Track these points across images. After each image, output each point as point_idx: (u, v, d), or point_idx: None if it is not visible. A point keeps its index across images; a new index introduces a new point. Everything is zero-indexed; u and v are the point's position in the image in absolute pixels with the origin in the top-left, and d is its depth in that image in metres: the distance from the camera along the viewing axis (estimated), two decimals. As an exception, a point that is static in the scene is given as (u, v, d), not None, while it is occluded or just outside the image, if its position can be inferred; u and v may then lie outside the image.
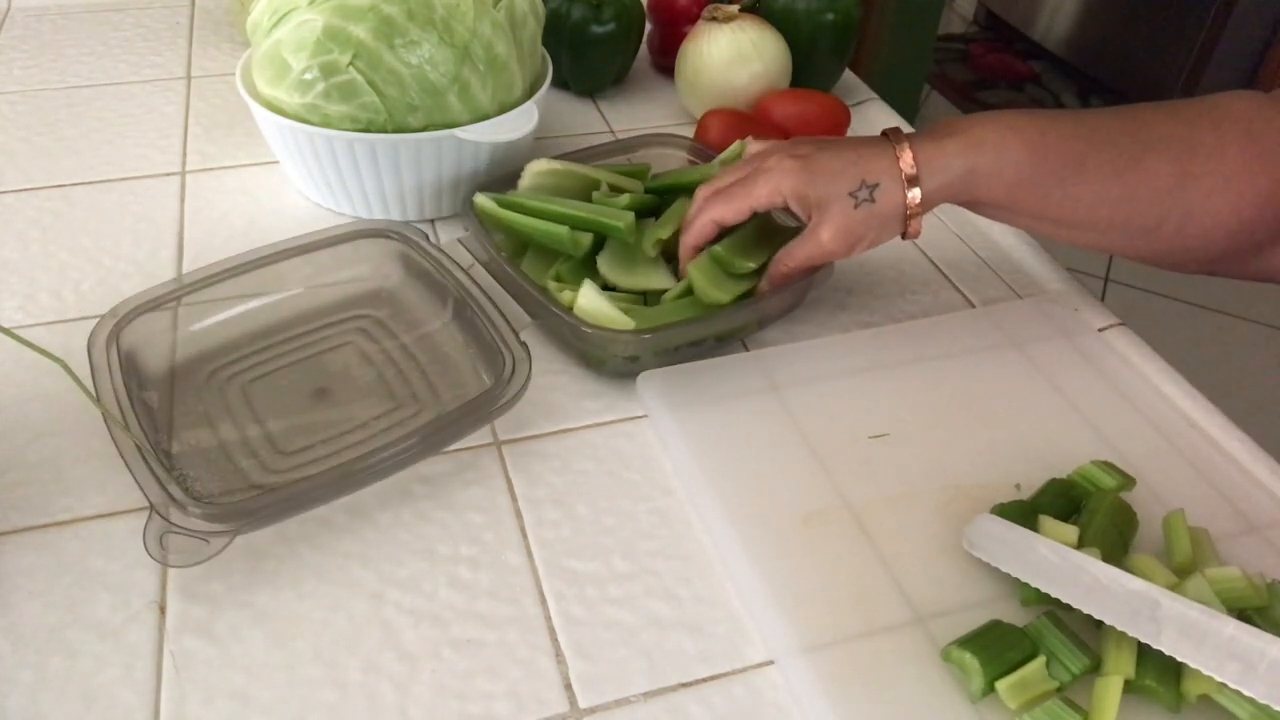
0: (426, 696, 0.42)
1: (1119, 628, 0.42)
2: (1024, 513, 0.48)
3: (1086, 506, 0.49)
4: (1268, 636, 0.39)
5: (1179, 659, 0.40)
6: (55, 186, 0.72)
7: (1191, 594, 0.44)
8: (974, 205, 0.56)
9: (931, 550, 0.49)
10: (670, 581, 0.48)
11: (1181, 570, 0.46)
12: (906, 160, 0.54)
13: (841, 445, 0.54)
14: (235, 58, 0.88)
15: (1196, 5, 2.30)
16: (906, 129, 0.58)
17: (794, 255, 0.57)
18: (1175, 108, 0.53)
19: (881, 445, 0.54)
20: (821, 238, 0.55)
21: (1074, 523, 0.48)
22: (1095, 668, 0.42)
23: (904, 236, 0.56)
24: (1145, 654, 0.42)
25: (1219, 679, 0.39)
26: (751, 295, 0.59)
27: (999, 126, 0.53)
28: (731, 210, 0.57)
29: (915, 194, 0.54)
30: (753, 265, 0.59)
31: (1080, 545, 0.46)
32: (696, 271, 0.58)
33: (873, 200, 0.54)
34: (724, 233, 0.59)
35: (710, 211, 0.57)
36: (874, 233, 0.56)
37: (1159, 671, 0.41)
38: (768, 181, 0.56)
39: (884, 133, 0.56)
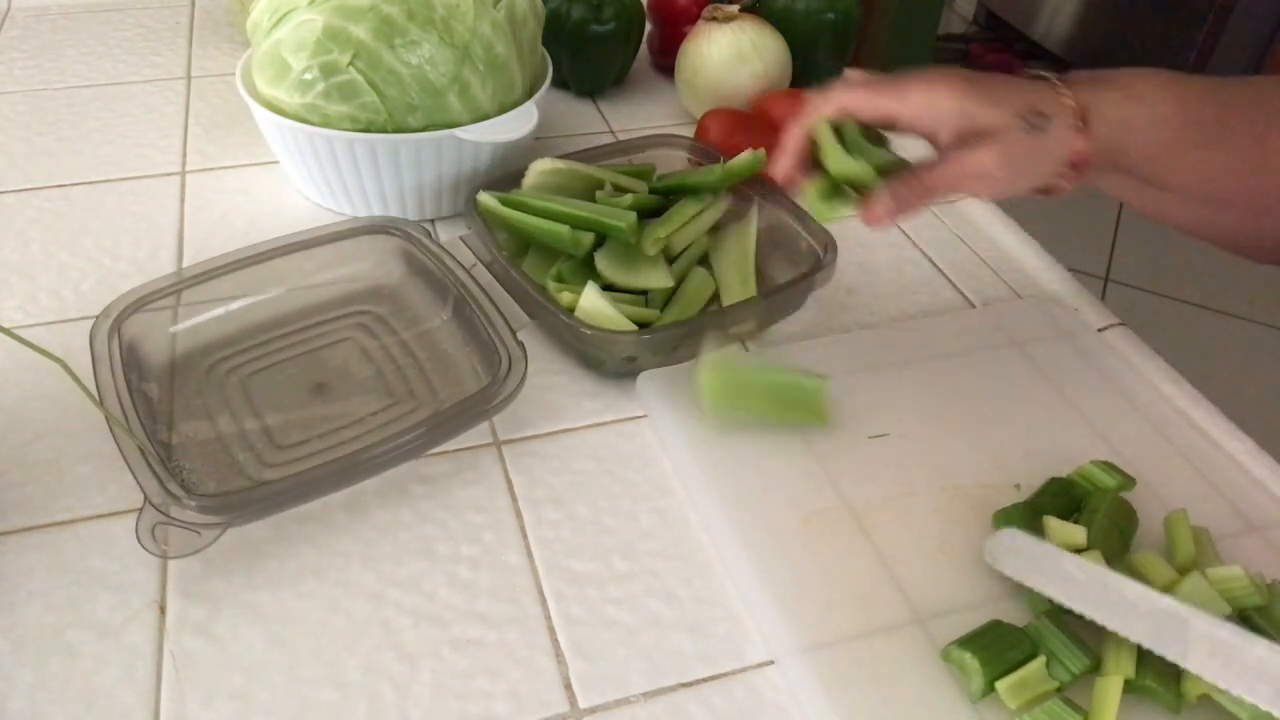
0: (426, 696, 0.42)
1: (1146, 645, 0.41)
2: (1025, 514, 0.48)
3: (1087, 506, 0.49)
4: None
5: (1207, 679, 0.39)
6: (55, 186, 0.72)
7: (1191, 592, 0.44)
8: (1118, 166, 0.50)
9: (931, 550, 0.49)
10: (670, 581, 0.48)
11: (1184, 569, 0.46)
12: (1075, 100, 0.48)
13: (841, 445, 0.54)
14: (235, 58, 0.88)
15: (1196, 5, 2.30)
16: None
17: (942, 175, 0.48)
18: None
19: (881, 445, 0.54)
20: (984, 158, 0.47)
21: (1075, 522, 0.48)
22: (1095, 668, 0.42)
23: (1050, 191, 0.50)
24: (1145, 654, 0.42)
25: (1250, 700, 0.38)
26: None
27: (1151, 80, 0.49)
28: (867, 101, 0.49)
29: (1084, 141, 0.48)
30: (870, 169, 0.49)
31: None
32: (827, 144, 0.50)
33: (1041, 129, 0.47)
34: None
35: (838, 95, 0.49)
36: (1039, 168, 0.49)
37: (1159, 672, 0.41)
38: (923, 90, 0.48)
39: (1035, 77, 0.50)
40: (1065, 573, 0.44)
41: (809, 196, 0.51)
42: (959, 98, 0.48)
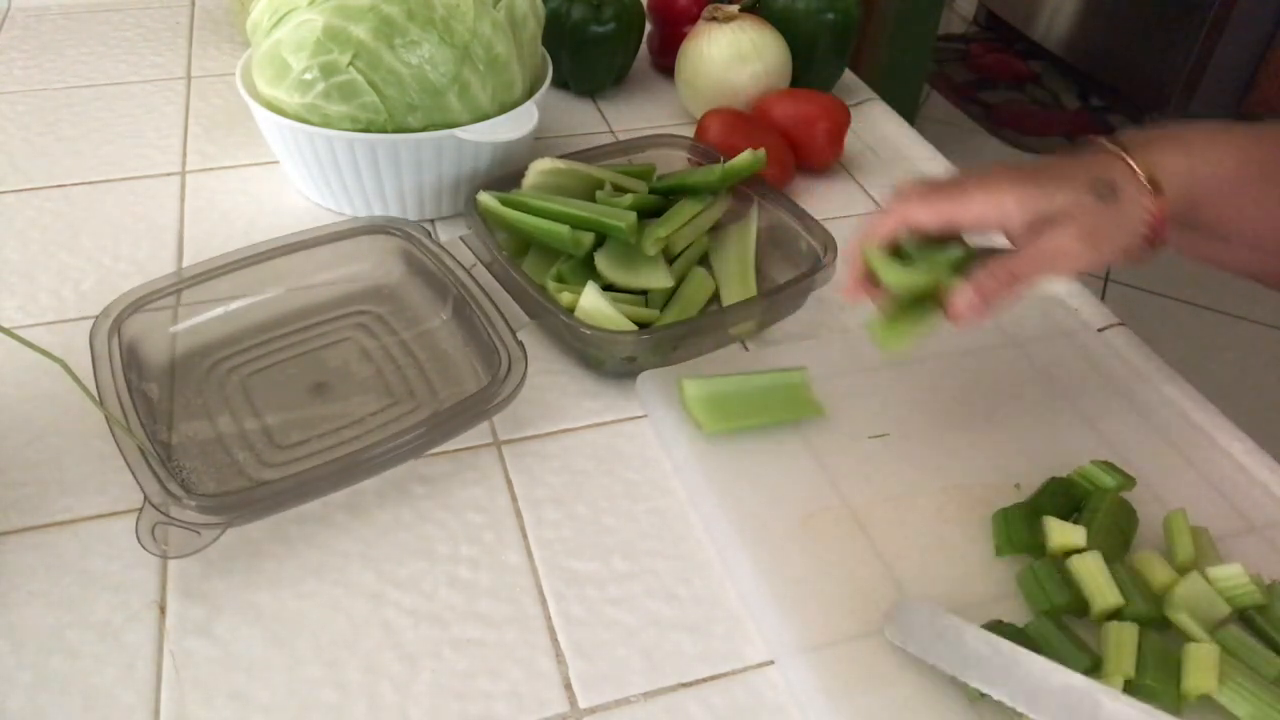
0: (426, 696, 0.42)
1: None
2: (1025, 514, 0.48)
3: (1087, 506, 0.49)
4: None
5: None
6: (55, 186, 0.72)
7: (1190, 592, 0.44)
8: (1191, 219, 0.49)
9: (931, 550, 0.49)
10: (670, 581, 0.48)
11: (1183, 569, 0.46)
12: (1140, 163, 0.47)
13: (841, 445, 0.54)
14: (235, 58, 0.88)
15: (1197, 5, 2.30)
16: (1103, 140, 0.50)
17: (1025, 261, 0.46)
18: None
19: (881, 445, 0.54)
20: (1062, 238, 0.45)
21: (1074, 522, 0.48)
22: (1096, 667, 0.42)
23: (1150, 246, 0.48)
24: (1145, 653, 0.42)
25: None
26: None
27: (1205, 133, 0.49)
28: (931, 211, 0.47)
29: (1155, 200, 0.47)
30: (958, 253, 0.47)
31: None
32: (878, 260, 0.47)
33: (1115, 197, 0.46)
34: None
35: (901, 208, 0.48)
36: (1118, 236, 0.47)
37: (1159, 670, 0.41)
38: (987, 191, 0.46)
39: (1091, 145, 0.50)
40: (970, 650, 0.42)
41: (873, 328, 0.48)
42: (1023, 189, 0.46)
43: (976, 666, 0.41)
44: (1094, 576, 0.45)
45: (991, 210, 0.46)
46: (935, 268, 0.47)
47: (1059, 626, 0.43)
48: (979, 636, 0.42)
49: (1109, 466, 0.51)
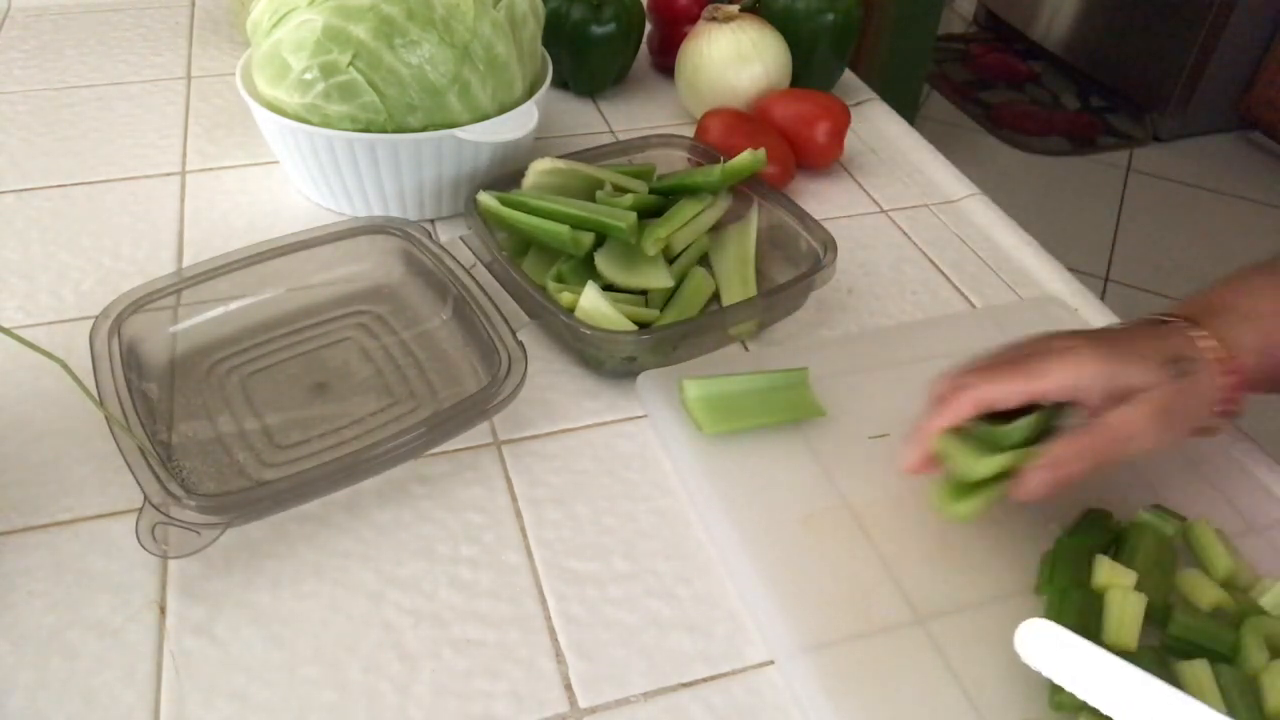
0: (426, 696, 0.42)
1: None
2: (1073, 552, 0.47)
3: (1126, 543, 0.47)
4: None
5: None
6: (55, 186, 0.72)
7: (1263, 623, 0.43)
8: (1266, 382, 0.48)
9: (931, 550, 0.49)
10: (670, 581, 0.48)
11: (1227, 584, 0.46)
12: (1211, 340, 0.46)
13: (841, 445, 0.54)
14: (235, 58, 0.88)
15: (1196, 5, 2.30)
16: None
17: (1098, 440, 0.44)
18: None
19: (881, 445, 0.54)
20: (1134, 417, 0.44)
21: (1113, 558, 0.46)
22: None
23: (1208, 432, 0.49)
24: (1225, 688, 0.41)
25: None
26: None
27: (1261, 292, 0.48)
28: (1009, 389, 0.45)
29: (1231, 378, 0.46)
30: (1012, 455, 0.45)
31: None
32: (950, 445, 0.46)
33: (1188, 374, 0.45)
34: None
35: (978, 386, 0.45)
36: (1194, 414, 0.46)
37: (1243, 700, 0.40)
38: (1064, 363, 0.45)
39: (1150, 322, 0.49)
40: (1112, 680, 0.40)
41: (941, 501, 0.47)
42: (1101, 363, 0.45)
43: (1120, 700, 0.39)
44: (1123, 615, 0.43)
45: (1069, 382, 0.45)
46: (1015, 456, 0.45)
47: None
48: (1125, 670, 0.40)
49: (1162, 511, 0.49)
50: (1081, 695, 0.40)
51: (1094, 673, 0.40)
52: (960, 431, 0.46)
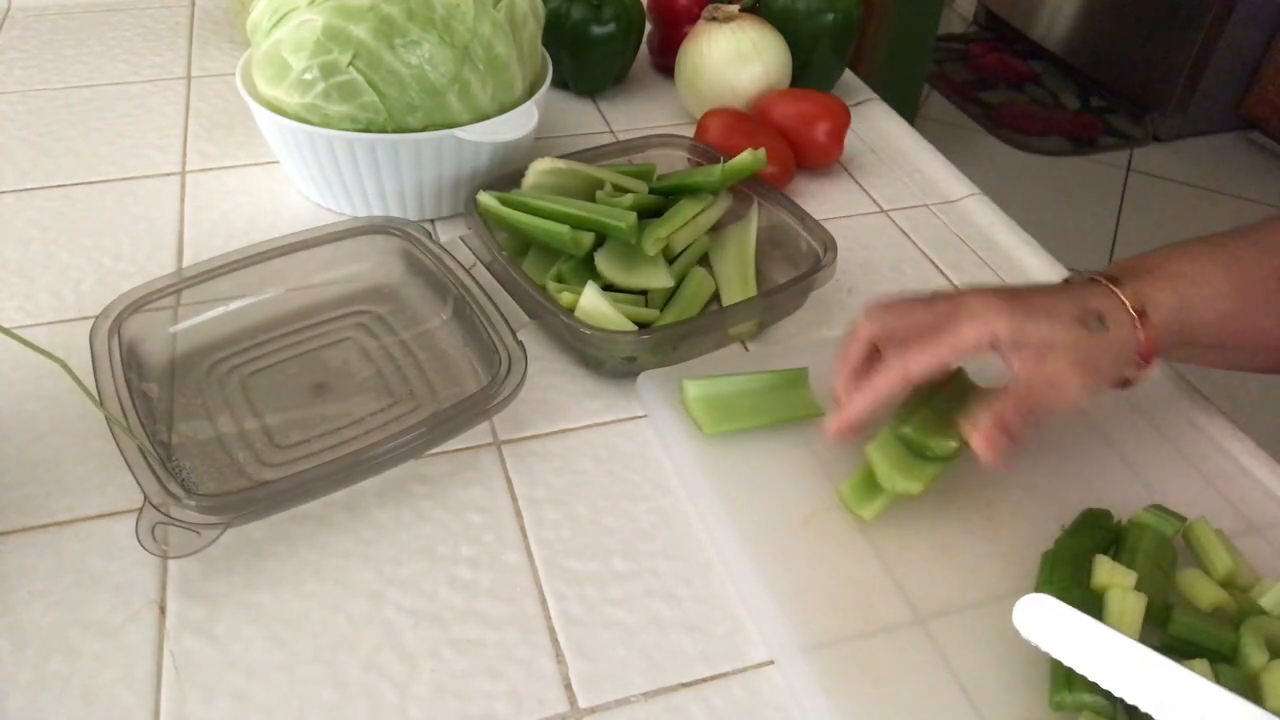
0: (426, 696, 0.42)
1: None
2: (1072, 554, 0.47)
3: (1126, 543, 0.47)
4: None
5: None
6: (55, 186, 0.72)
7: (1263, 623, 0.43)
8: (1186, 347, 0.50)
9: (931, 550, 0.49)
10: (670, 581, 0.48)
11: (1226, 584, 0.45)
12: (1126, 293, 0.48)
13: (841, 445, 0.54)
14: (235, 58, 0.88)
15: (1196, 5, 2.30)
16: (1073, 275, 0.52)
17: (1021, 402, 0.46)
18: None
19: (881, 445, 0.54)
20: (1059, 368, 0.46)
21: (1113, 557, 0.46)
22: None
23: (1127, 384, 0.50)
24: (1221, 671, 0.41)
25: None
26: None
27: (1190, 257, 0.49)
28: (930, 360, 0.47)
29: (1146, 331, 0.48)
30: (954, 444, 0.48)
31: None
32: (878, 455, 0.48)
33: (1104, 327, 0.47)
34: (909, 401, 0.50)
35: (900, 365, 0.47)
36: (1111, 365, 0.48)
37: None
38: (974, 319, 0.46)
39: (1067, 280, 0.51)
40: (1112, 656, 0.40)
41: (850, 496, 0.49)
42: (1011, 319, 0.46)
43: (1121, 675, 0.39)
44: (1123, 615, 0.43)
45: (985, 339, 0.46)
46: (939, 467, 0.49)
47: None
48: (1126, 645, 0.40)
49: (1162, 511, 0.49)
50: (1080, 670, 0.40)
51: (1093, 647, 0.40)
52: (884, 440, 0.49)
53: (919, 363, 0.47)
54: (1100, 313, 0.47)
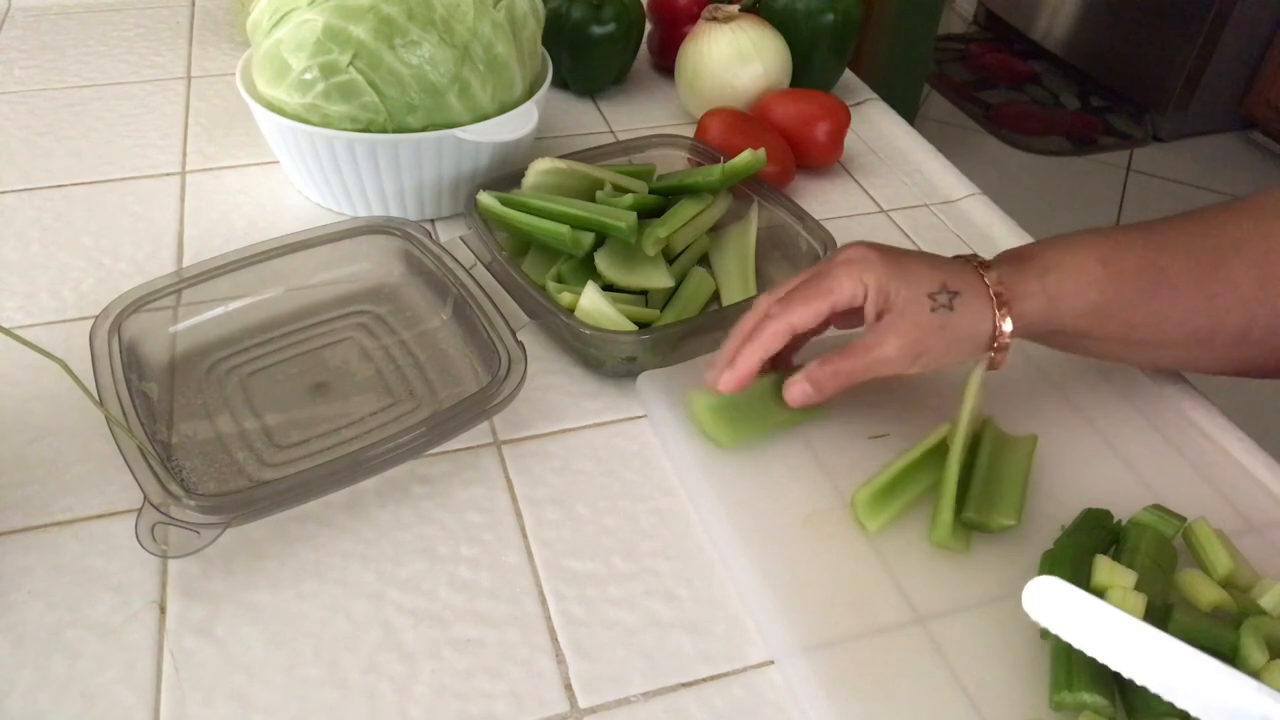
0: (426, 696, 0.42)
1: None
2: (1072, 554, 0.47)
3: (1126, 543, 0.47)
4: None
5: None
6: (55, 186, 0.72)
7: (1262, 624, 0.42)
8: (1056, 335, 0.51)
9: (931, 550, 0.49)
10: (670, 581, 0.48)
11: (1226, 584, 0.45)
12: (992, 278, 0.49)
13: (841, 445, 0.54)
14: (235, 58, 0.88)
15: (1196, 5, 2.30)
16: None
17: (846, 359, 0.49)
18: (1245, 207, 0.51)
19: (881, 445, 0.54)
20: (883, 342, 0.48)
21: (1113, 557, 0.46)
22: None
23: (999, 354, 0.51)
24: None
25: None
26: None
27: (1071, 248, 0.50)
28: (811, 311, 0.49)
29: (1005, 320, 0.49)
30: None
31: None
32: (707, 411, 0.53)
33: (951, 309, 0.48)
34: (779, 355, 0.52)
35: (783, 315, 0.50)
36: (942, 348, 0.49)
37: None
38: (850, 273, 0.49)
39: (958, 256, 0.52)
40: (1119, 637, 0.40)
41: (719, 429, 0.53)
42: (879, 273, 0.49)
43: (1127, 655, 0.40)
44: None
45: (858, 290, 0.49)
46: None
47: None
48: (1133, 625, 0.40)
49: (1162, 511, 0.49)
50: (1090, 652, 0.40)
51: (1100, 629, 0.40)
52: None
53: (799, 314, 0.50)
54: (956, 292, 0.49)
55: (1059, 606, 0.41)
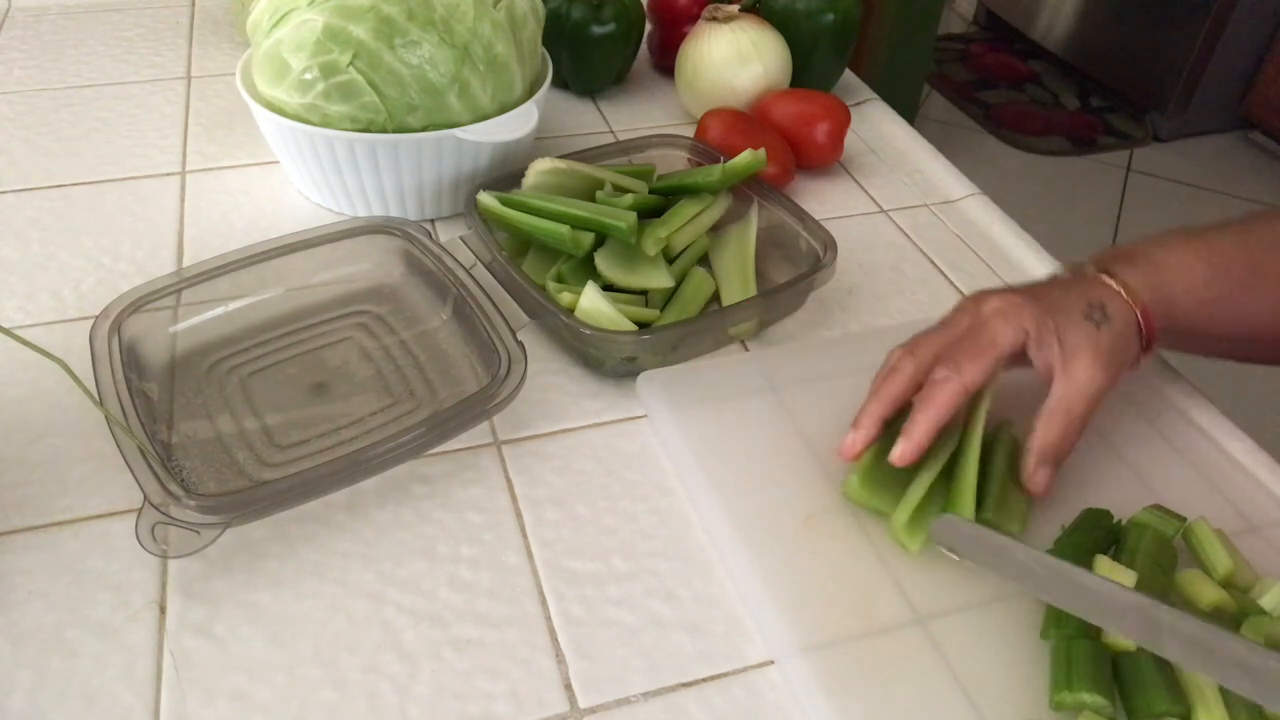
0: (426, 696, 0.42)
1: (1122, 637, 0.42)
2: (1074, 553, 0.46)
3: (1126, 543, 0.47)
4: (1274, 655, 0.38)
5: (1188, 670, 0.40)
6: (55, 186, 0.72)
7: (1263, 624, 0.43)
8: (1170, 332, 0.51)
9: (931, 550, 0.48)
10: (670, 581, 0.48)
11: (1227, 584, 0.45)
12: (1116, 283, 0.50)
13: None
14: (235, 58, 0.88)
15: (1197, 5, 2.30)
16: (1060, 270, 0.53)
17: (1058, 412, 0.48)
18: None
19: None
20: (1078, 374, 0.47)
21: (1113, 558, 0.46)
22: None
23: (1145, 354, 0.51)
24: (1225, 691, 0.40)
25: (1234, 690, 0.38)
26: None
27: (1170, 247, 0.51)
28: (981, 368, 0.48)
29: (1140, 313, 0.49)
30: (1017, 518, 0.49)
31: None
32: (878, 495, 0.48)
33: (1108, 319, 0.48)
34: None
35: (955, 376, 0.47)
36: (1121, 354, 0.49)
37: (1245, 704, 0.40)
38: (1007, 321, 0.48)
39: (1069, 269, 0.52)
40: (1020, 563, 0.44)
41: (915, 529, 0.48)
42: (1033, 315, 0.48)
43: (1030, 576, 0.43)
44: None
45: (1019, 337, 0.48)
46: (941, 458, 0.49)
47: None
48: (1025, 552, 0.44)
49: (1162, 511, 0.49)
50: (996, 574, 0.45)
51: (1001, 554, 0.44)
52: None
53: (970, 373, 0.48)
54: (1103, 304, 0.49)
55: (964, 538, 0.45)
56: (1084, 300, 0.49)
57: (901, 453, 0.48)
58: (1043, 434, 0.48)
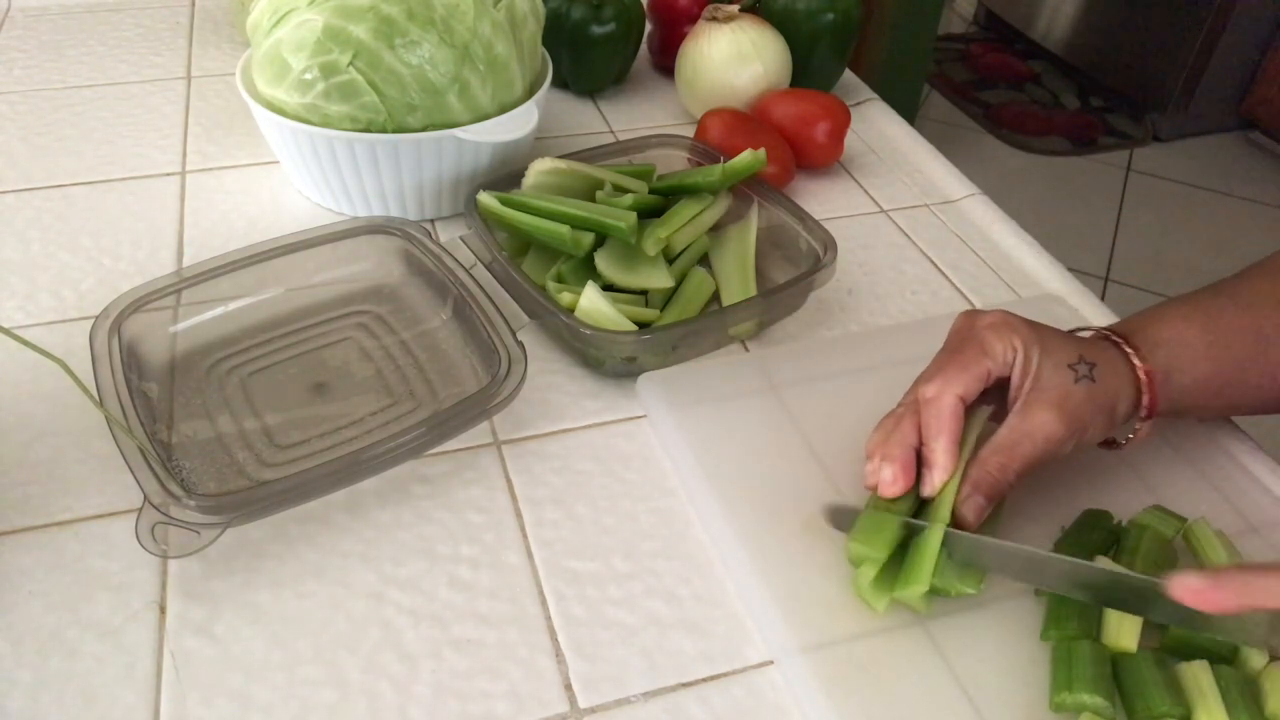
0: (426, 696, 0.42)
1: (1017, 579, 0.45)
2: (1074, 553, 0.46)
3: (1125, 543, 0.47)
4: None
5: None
6: (55, 186, 0.72)
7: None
8: (1174, 410, 0.50)
9: (931, 550, 0.48)
10: (670, 581, 0.48)
11: None
12: (1128, 351, 0.48)
13: (841, 445, 0.54)
14: (235, 58, 0.88)
15: (1197, 5, 2.30)
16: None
17: (1002, 446, 0.46)
18: None
19: (881, 445, 0.54)
20: (1035, 415, 0.45)
21: (1113, 558, 0.46)
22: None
23: (1114, 445, 0.50)
24: (1224, 688, 0.40)
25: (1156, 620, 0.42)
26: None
27: (1166, 321, 0.50)
28: (972, 377, 0.47)
29: (1147, 390, 0.48)
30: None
31: None
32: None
33: (1092, 379, 0.47)
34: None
35: (946, 390, 0.46)
36: (1090, 417, 0.46)
37: (1242, 701, 0.40)
38: (999, 334, 0.47)
39: (1078, 331, 0.51)
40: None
41: (913, 597, 0.45)
42: (1025, 334, 0.47)
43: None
44: (1122, 615, 0.43)
45: (1009, 352, 0.47)
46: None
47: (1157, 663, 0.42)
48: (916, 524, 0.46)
49: (1162, 512, 0.49)
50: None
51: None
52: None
53: (961, 381, 0.47)
54: (1092, 364, 0.47)
55: (850, 520, 0.47)
56: (1076, 353, 0.47)
57: (931, 482, 0.46)
58: (980, 463, 0.46)
